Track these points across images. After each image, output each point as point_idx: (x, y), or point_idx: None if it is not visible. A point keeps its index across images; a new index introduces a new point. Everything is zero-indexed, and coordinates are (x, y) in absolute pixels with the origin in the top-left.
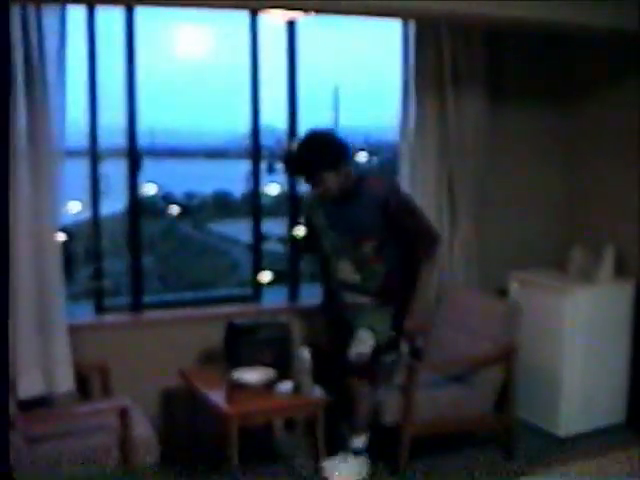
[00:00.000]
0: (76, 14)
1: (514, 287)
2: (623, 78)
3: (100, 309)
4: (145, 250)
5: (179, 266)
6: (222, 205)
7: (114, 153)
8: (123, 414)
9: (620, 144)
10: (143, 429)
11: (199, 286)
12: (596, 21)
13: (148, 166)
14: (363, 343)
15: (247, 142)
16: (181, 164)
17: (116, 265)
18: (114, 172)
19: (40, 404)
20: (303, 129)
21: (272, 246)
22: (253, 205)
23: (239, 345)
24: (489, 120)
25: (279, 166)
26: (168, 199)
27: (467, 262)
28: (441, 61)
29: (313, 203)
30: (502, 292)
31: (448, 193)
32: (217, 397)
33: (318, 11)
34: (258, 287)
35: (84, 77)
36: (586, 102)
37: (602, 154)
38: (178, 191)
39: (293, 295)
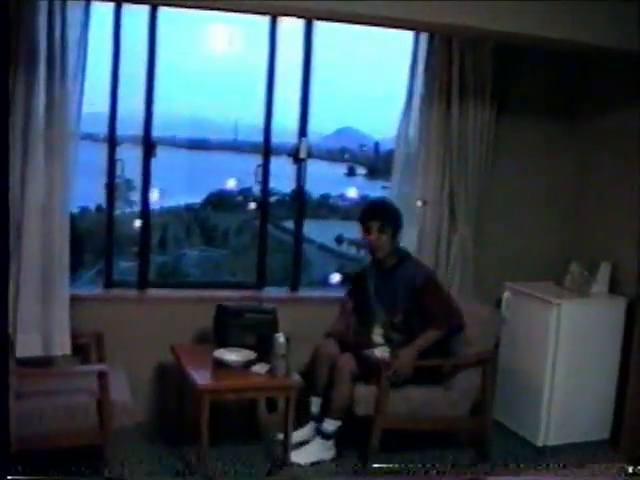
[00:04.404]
0: (104, 9)
1: (506, 296)
2: (626, 96)
3: (108, 285)
4: (220, 242)
5: (250, 260)
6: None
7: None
8: (101, 377)
9: (622, 163)
10: (121, 394)
11: None
12: (601, 41)
13: (230, 160)
14: (383, 352)
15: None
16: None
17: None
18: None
19: (38, 365)
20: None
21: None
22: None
23: (226, 326)
24: (493, 133)
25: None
26: (246, 194)
27: (463, 269)
28: (449, 72)
29: (368, 271)
30: (499, 302)
31: (448, 200)
32: (196, 373)
33: (333, 19)
34: (262, 276)
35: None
36: (588, 119)
37: (604, 172)
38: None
39: (294, 287)
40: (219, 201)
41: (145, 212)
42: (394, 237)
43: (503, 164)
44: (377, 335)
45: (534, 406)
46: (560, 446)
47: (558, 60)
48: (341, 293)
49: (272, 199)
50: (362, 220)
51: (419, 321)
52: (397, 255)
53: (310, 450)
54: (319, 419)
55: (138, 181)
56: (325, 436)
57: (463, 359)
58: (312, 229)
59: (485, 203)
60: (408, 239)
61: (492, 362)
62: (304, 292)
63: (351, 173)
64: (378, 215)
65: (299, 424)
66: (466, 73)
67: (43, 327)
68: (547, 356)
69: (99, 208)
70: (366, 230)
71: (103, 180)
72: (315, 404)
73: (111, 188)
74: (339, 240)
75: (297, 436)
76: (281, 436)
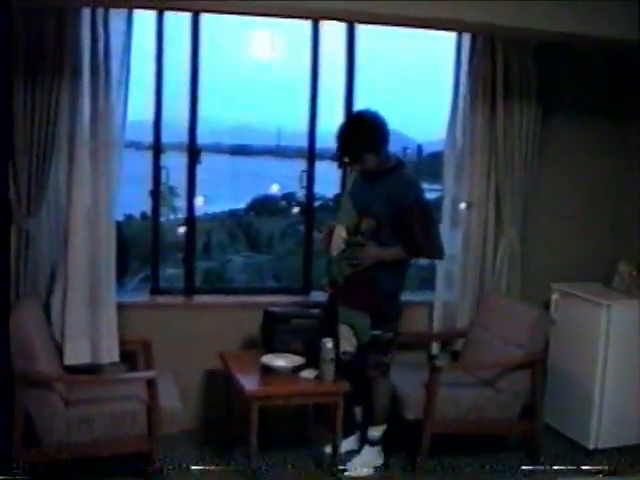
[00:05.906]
0: (146, 17)
1: (554, 298)
2: None
3: (155, 291)
4: (264, 248)
5: (295, 265)
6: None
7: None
8: (150, 384)
9: None
10: (170, 400)
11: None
12: None
13: (273, 166)
14: (346, 340)
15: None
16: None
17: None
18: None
19: (86, 373)
20: None
21: None
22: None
23: (273, 332)
24: (539, 132)
25: None
26: (290, 199)
27: (510, 271)
28: (494, 73)
29: (357, 176)
30: (547, 303)
31: (495, 201)
32: (245, 379)
33: (375, 21)
34: (308, 281)
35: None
36: (635, 118)
37: None
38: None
39: None
40: (263, 206)
41: (190, 219)
42: (380, 151)
43: (549, 164)
44: (338, 236)
45: (584, 408)
46: (611, 449)
47: (604, 59)
48: None
49: (316, 204)
50: (343, 155)
51: (392, 233)
52: (386, 163)
53: (361, 461)
54: (363, 427)
55: (182, 188)
56: (373, 443)
57: (511, 362)
58: None
59: (531, 204)
60: (454, 241)
61: (541, 364)
62: None
63: None
64: (358, 148)
65: (344, 433)
66: (510, 74)
67: (91, 334)
68: (597, 358)
69: (144, 215)
70: (350, 162)
71: (148, 187)
72: (357, 413)
73: (156, 195)
74: None
75: (344, 446)
76: (329, 448)
